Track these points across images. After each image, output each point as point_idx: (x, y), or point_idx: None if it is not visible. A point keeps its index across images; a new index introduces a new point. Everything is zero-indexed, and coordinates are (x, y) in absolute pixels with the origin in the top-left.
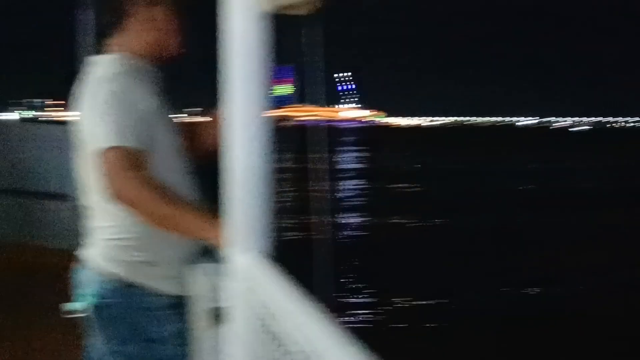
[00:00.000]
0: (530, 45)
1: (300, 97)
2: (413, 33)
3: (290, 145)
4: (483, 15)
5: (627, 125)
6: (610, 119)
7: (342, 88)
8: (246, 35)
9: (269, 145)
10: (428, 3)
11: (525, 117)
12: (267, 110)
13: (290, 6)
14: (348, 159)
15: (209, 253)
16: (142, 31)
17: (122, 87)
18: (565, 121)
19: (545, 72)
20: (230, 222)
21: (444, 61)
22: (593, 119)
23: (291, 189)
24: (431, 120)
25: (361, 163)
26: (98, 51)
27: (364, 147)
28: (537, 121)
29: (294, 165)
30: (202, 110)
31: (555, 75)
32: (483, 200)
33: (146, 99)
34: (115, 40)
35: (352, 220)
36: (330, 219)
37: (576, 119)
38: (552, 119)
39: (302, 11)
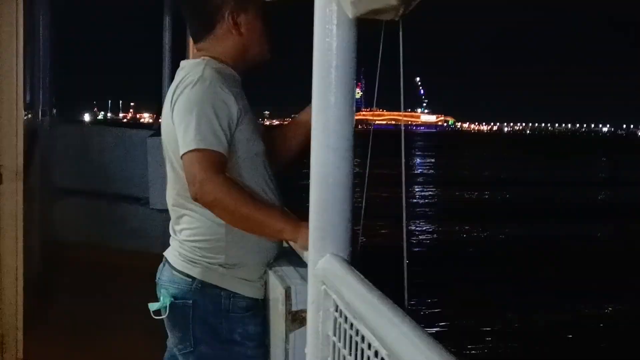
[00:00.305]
0: (606, 52)
1: (372, 101)
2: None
3: (369, 149)
4: (562, 18)
5: None
6: None
7: (420, 93)
8: (332, 41)
9: (352, 149)
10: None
11: (603, 124)
12: (351, 114)
13: (378, 11)
14: (430, 164)
15: (290, 255)
16: (229, 37)
17: (208, 92)
18: None
19: (621, 78)
20: (312, 223)
21: (515, 65)
22: None
23: (371, 193)
24: (512, 125)
25: (447, 169)
26: (186, 56)
27: (449, 152)
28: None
29: (376, 171)
30: (269, 114)
31: (631, 82)
32: (562, 210)
33: (232, 104)
34: (202, 46)
35: (425, 228)
36: (407, 226)
37: None
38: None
39: (390, 17)
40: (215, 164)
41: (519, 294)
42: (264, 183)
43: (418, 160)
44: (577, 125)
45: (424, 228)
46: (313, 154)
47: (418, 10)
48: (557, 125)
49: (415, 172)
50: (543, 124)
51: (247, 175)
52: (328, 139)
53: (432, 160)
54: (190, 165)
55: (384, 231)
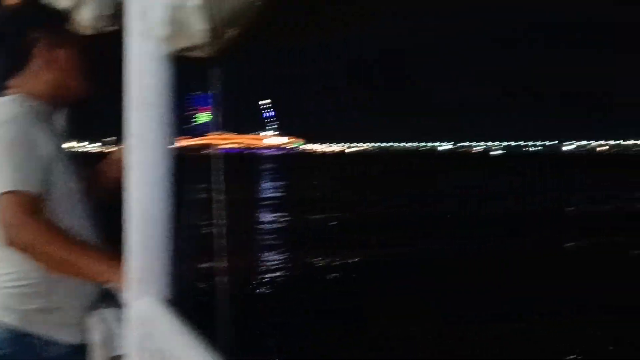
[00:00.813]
0: (446, 71)
1: (221, 124)
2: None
3: (207, 175)
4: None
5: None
6: (522, 142)
7: (266, 115)
8: (147, 75)
9: (173, 181)
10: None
11: (442, 141)
12: (171, 142)
13: (189, 49)
14: (270, 188)
15: (110, 298)
16: (43, 72)
17: (19, 130)
18: (479, 145)
19: (460, 97)
20: (129, 265)
21: (359, 87)
22: (505, 143)
23: (201, 224)
24: (354, 146)
25: (283, 192)
26: None
27: (288, 175)
28: (455, 146)
29: (209, 197)
30: (116, 140)
31: (467, 100)
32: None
33: (44, 142)
34: (16, 82)
35: (266, 258)
36: (230, 260)
37: (489, 143)
38: (468, 143)
39: (204, 54)
40: (29, 207)
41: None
42: (82, 222)
43: (264, 184)
44: (418, 142)
45: (274, 258)
46: (128, 191)
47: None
48: (405, 144)
49: (261, 196)
50: (393, 143)
51: (64, 215)
52: (144, 175)
53: (278, 183)
54: (3, 208)
55: (224, 265)
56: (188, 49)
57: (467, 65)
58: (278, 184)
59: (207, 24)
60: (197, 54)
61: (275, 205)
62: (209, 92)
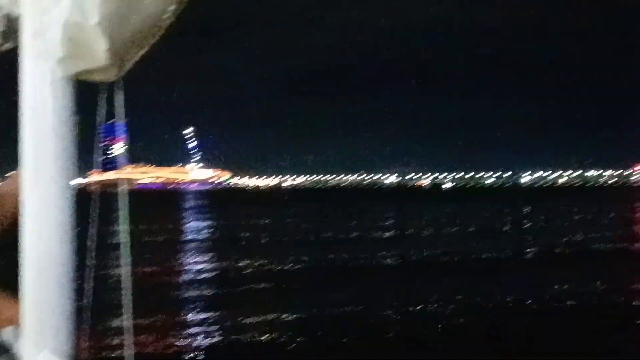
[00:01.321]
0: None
1: (138, 156)
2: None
3: (119, 214)
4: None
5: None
6: (473, 174)
7: (191, 146)
8: (43, 100)
9: (75, 221)
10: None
11: (386, 174)
12: (72, 177)
13: (91, 72)
14: (196, 229)
15: (1, 348)
16: None
17: None
18: (427, 177)
19: (403, 126)
20: (25, 314)
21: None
22: (454, 174)
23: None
24: (292, 180)
25: (210, 233)
26: None
27: (218, 213)
28: (401, 178)
29: (121, 240)
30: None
31: (412, 131)
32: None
33: None
34: None
35: (185, 316)
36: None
37: (437, 174)
38: (414, 175)
39: (106, 77)
40: None
41: None
42: None
43: (190, 223)
44: (364, 175)
45: (194, 317)
46: (23, 232)
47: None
48: (343, 176)
49: (184, 238)
50: (330, 176)
51: None
52: (40, 213)
53: (207, 223)
54: None
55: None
56: (89, 71)
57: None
58: (205, 224)
59: (108, 44)
60: (99, 77)
61: (200, 249)
62: (120, 121)
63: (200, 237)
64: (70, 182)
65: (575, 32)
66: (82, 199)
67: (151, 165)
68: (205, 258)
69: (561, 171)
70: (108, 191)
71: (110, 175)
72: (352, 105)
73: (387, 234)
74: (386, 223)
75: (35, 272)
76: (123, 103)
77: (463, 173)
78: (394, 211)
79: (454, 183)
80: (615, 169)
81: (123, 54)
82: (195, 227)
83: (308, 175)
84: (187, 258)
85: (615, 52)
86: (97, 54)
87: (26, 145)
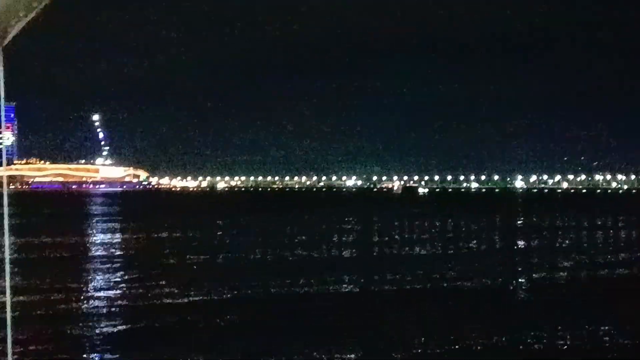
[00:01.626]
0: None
1: (27, 149)
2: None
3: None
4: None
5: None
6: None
7: (100, 137)
8: None
9: None
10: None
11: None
12: None
13: None
14: (107, 244)
15: None
16: None
17: None
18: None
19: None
20: None
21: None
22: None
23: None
24: (227, 180)
25: (122, 247)
26: None
27: (136, 221)
28: (365, 181)
29: (42, 253)
30: None
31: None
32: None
33: None
34: None
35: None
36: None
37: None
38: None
39: None
40: None
41: None
42: None
43: (101, 235)
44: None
45: None
46: None
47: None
48: (288, 178)
49: (99, 253)
50: (257, 178)
51: None
52: None
53: (119, 235)
54: None
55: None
56: None
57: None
58: (118, 236)
59: None
60: None
61: (110, 271)
62: (5, 104)
63: (112, 253)
64: None
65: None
66: None
67: (48, 162)
68: (117, 285)
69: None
70: None
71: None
72: (294, 91)
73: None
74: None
75: None
76: (2, 81)
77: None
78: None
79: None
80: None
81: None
82: (106, 241)
83: (244, 176)
84: (92, 283)
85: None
86: None
87: None
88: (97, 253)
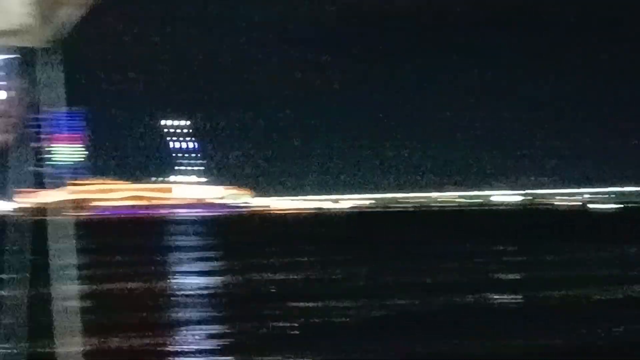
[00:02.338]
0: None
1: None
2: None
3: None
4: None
5: None
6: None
7: (179, 147)
8: None
9: None
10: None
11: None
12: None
13: (9, 33)
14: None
15: None
16: None
17: None
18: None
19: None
20: None
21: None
22: None
23: None
24: (344, 199)
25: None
26: None
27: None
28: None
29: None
30: None
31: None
32: None
33: None
34: None
35: None
36: None
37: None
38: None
39: (31, 42)
40: None
41: None
42: None
43: (188, 279)
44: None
45: None
46: None
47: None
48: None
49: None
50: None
51: None
52: None
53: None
54: None
55: None
56: (6, 33)
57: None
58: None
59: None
60: (21, 41)
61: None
62: (74, 109)
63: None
64: None
65: None
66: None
67: (119, 180)
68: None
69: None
70: (45, 221)
71: (51, 196)
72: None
73: None
74: None
75: None
76: (62, 80)
77: None
78: None
79: None
80: None
81: (49, 12)
82: (201, 285)
83: (376, 193)
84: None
85: None
86: (17, 15)
87: None
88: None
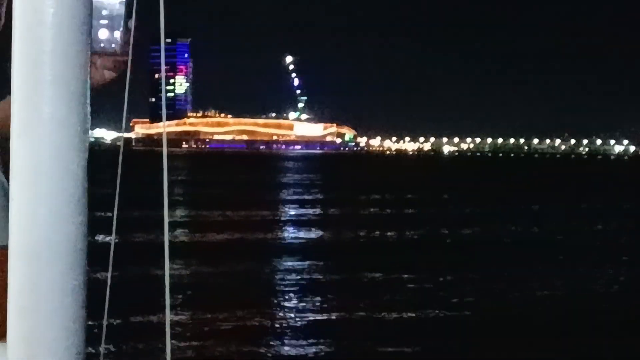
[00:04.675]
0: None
1: (205, 99)
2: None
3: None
4: None
5: None
6: None
7: (294, 85)
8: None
9: (86, 190)
10: None
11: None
12: (86, 128)
13: None
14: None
15: None
16: None
17: None
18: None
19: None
20: (10, 315)
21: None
22: None
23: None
24: (456, 144)
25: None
26: None
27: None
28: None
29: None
30: None
31: None
32: None
33: None
34: None
35: None
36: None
37: None
38: None
39: None
40: None
41: None
42: None
43: (295, 212)
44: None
45: None
46: (10, 201)
47: None
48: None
49: (292, 240)
50: (495, 139)
51: None
52: (35, 178)
53: (320, 213)
54: None
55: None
56: None
57: None
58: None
59: None
60: None
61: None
62: (182, 40)
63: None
64: (84, 130)
65: None
66: (115, 161)
67: (229, 115)
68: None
69: None
70: (158, 152)
71: (168, 126)
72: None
73: None
74: None
75: (25, 261)
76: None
77: None
78: None
79: None
80: None
81: None
82: (303, 220)
83: (478, 138)
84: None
85: None
86: None
87: (16, 70)
88: (290, 239)
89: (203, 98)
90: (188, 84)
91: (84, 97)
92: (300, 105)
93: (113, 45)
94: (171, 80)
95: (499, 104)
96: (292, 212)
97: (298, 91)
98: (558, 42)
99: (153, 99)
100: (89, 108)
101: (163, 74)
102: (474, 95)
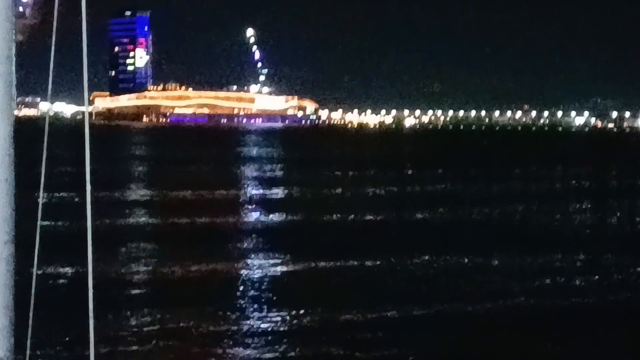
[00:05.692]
0: None
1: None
2: None
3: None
4: None
5: None
6: None
7: (256, 59)
8: None
9: (13, 173)
10: None
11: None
12: (10, 107)
13: None
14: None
15: None
16: None
17: None
18: None
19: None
20: None
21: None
22: None
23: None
24: (417, 116)
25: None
26: None
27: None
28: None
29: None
30: None
31: None
32: None
33: None
34: None
35: None
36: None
37: None
38: None
39: None
40: None
41: None
42: None
43: (260, 192)
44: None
45: None
46: None
47: None
48: (484, 112)
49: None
50: (456, 112)
51: None
52: None
53: (284, 191)
54: None
55: None
56: None
57: None
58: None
59: None
60: None
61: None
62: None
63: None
64: (8, 111)
65: None
66: (73, 137)
67: (190, 88)
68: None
69: None
70: (117, 126)
71: (124, 100)
72: None
73: None
74: None
75: None
76: None
77: None
78: None
79: None
80: None
81: None
82: (267, 199)
83: (439, 110)
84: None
85: None
86: None
87: None
88: (253, 217)
89: (164, 71)
90: (148, 57)
91: (10, 61)
92: (262, 78)
93: (21, 9)
94: (131, 54)
95: (460, 76)
96: (254, 191)
97: (259, 64)
98: (521, 14)
99: (113, 73)
100: (14, 74)
101: (85, 62)
102: (436, 67)
